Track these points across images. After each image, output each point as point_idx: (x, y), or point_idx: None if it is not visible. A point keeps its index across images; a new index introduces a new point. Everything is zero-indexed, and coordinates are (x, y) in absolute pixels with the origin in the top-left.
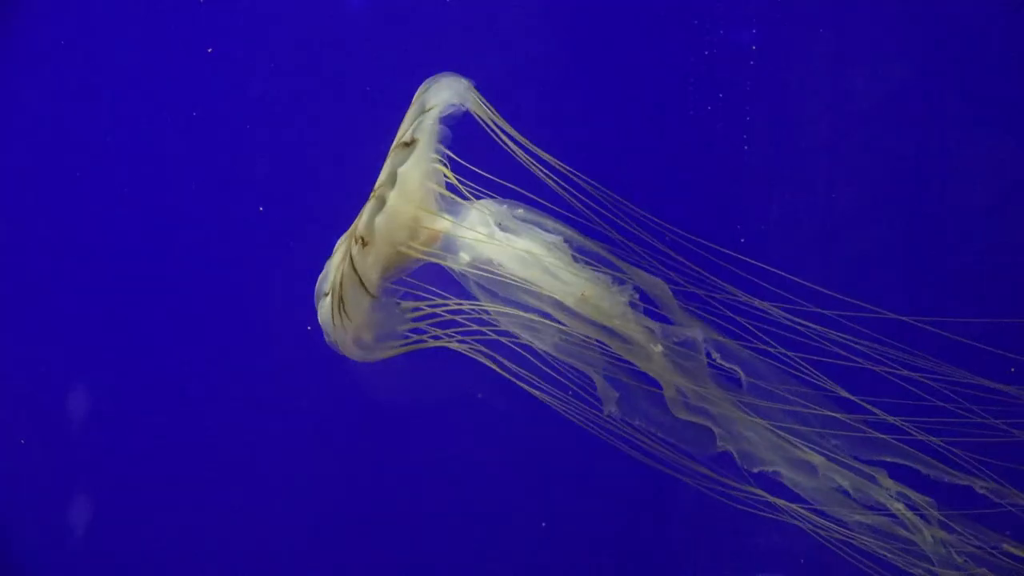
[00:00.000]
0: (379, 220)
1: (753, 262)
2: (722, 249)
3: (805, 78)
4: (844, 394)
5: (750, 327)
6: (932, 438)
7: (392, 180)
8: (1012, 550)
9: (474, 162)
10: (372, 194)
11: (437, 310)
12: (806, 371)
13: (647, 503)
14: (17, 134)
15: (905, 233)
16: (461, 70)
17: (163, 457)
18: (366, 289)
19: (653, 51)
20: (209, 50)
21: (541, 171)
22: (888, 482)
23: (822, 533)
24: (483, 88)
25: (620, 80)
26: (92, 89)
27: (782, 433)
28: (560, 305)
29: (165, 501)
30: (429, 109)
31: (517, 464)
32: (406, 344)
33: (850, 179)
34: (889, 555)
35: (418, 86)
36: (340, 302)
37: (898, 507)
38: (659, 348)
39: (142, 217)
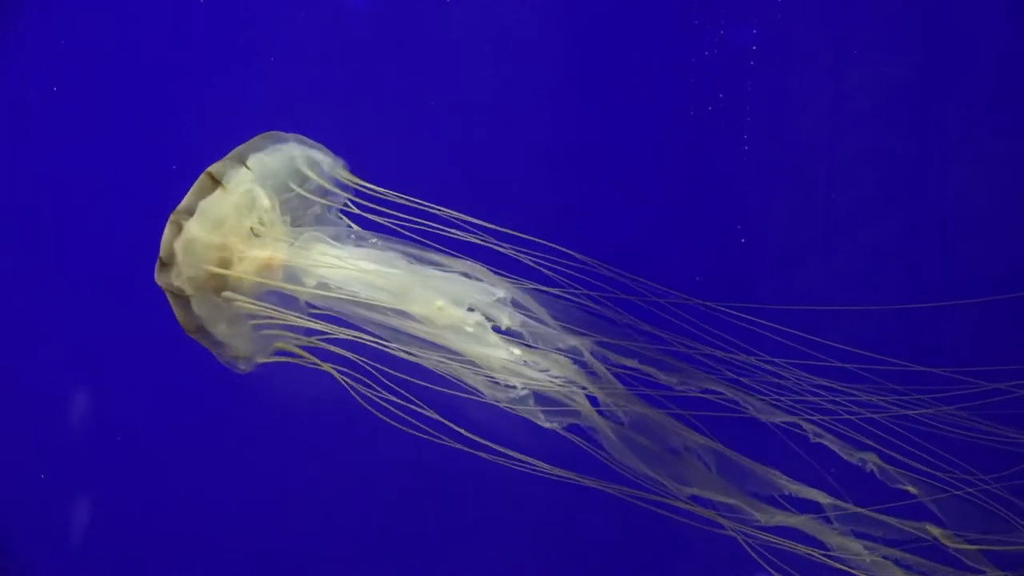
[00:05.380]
0: (177, 246)
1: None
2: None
3: (805, 78)
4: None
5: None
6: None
7: (196, 208)
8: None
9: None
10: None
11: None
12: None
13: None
14: (17, 134)
15: (905, 234)
16: (461, 69)
17: (163, 458)
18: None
19: (653, 51)
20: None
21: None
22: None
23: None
24: (488, 88)
25: (620, 80)
26: (93, 89)
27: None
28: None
29: (165, 502)
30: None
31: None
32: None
33: (850, 179)
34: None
35: (420, 84)
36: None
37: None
38: (517, 352)
39: (143, 218)
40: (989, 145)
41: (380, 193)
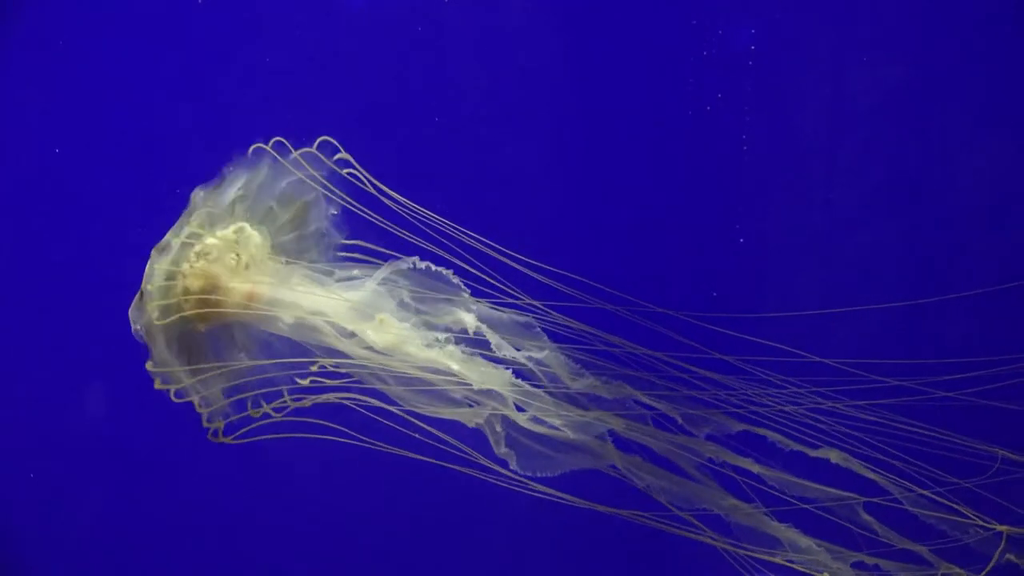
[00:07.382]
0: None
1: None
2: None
3: (805, 78)
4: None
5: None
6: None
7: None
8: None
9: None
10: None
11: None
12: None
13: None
14: (17, 134)
15: (904, 233)
16: (462, 69)
17: (163, 459)
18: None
19: (652, 52)
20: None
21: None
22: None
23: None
24: (485, 88)
25: (620, 80)
26: (93, 89)
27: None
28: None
29: (165, 503)
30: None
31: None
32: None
33: (849, 179)
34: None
35: (420, 84)
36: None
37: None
38: (455, 367)
39: (142, 217)
40: (988, 145)
41: (375, 183)
